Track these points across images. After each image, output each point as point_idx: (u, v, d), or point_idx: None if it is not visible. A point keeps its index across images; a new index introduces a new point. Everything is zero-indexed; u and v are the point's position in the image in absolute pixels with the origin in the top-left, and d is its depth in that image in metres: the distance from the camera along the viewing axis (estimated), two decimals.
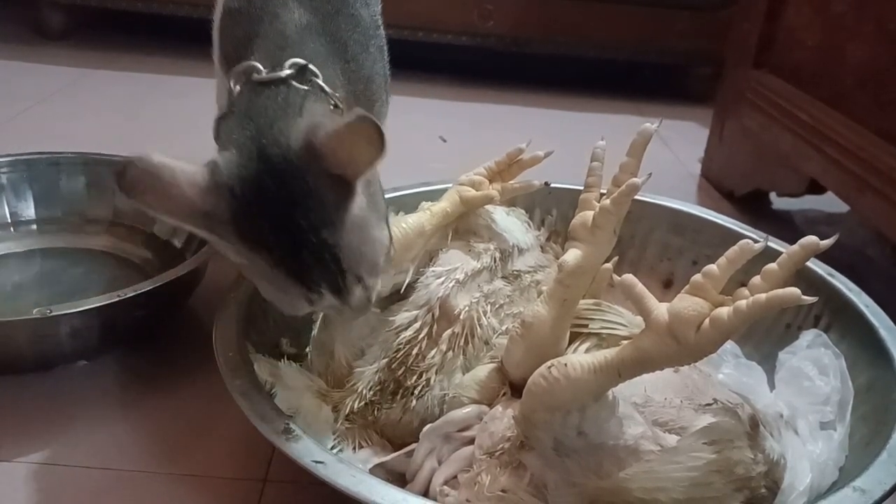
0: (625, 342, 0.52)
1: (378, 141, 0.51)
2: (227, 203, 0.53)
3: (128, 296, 0.73)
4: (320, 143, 0.52)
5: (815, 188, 1.12)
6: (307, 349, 0.70)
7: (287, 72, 0.60)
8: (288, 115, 0.57)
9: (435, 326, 0.66)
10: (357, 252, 0.55)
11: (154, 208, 0.52)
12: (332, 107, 0.61)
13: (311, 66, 0.61)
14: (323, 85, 0.61)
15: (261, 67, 0.60)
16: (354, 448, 0.64)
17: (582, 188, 0.66)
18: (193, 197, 0.53)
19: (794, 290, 0.47)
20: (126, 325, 0.78)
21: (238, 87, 0.60)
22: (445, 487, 0.58)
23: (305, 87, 0.60)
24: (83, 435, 0.70)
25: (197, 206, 0.53)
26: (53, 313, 0.71)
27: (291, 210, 0.53)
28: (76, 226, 0.98)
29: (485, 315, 0.67)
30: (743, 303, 0.48)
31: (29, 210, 0.97)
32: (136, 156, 0.51)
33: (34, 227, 0.97)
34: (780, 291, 0.48)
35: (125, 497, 0.64)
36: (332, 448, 0.62)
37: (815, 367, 0.67)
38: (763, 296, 0.48)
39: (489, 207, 0.77)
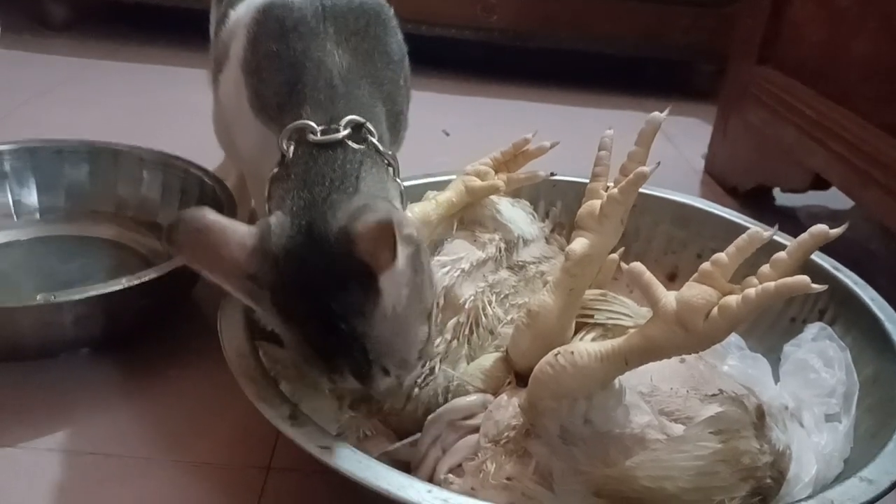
0: (632, 330, 0.52)
1: (392, 250, 0.50)
2: (269, 271, 0.53)
3: (132, 284, 0.73)
4: (355, 231, 0.52)
5: (819, 183, 1.12)
6: None
7: (343, 133, 0.59)
8: (346, 187, 0.57)
9: (440, 316, 0.66)
10: (388, 345, 0.54)
11: (200, 265, 0.53)
12: (386, 165, 0.61)
13: (367, 125, 0.61)
14: (377, 144, 0.61)
15: (315, 127, 0.60)
16: (359, 437, 0.63)
17: (586, 181, 0.66)
18: (240, 258, 0.53)
19: (804, 278, 0.47)
20: (130, 313, 0.78)
21: (292, 148, 0.60)
22: (450, 475, 0.58)
23: (361, 147, 0.60)
24: (87, 422, 0.70)
25: (242, 268, 0.53)
26: (57, 300, 0.71)
27: (326, 292, 0.53)
28: (79, 214, 0.98)
29: (490, 305, 0.67)
30: (752, 291, 0.48)
31: (32, 198, 0.97)
32: (188, 212, 0.52)
33: (37, 214, 0.97)
34: (788, 280, 0.48)
35: (129, 484, 0.64)
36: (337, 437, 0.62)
37: (820, 359, 0.67)
38: (772, 284, 0.48)
39: (494, 198, 0.77)
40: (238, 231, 0.54)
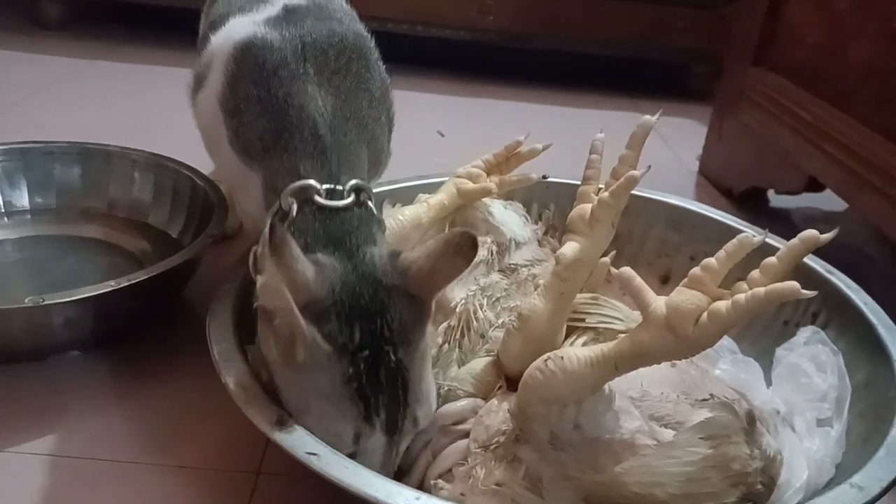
0: (622, 336, 0.52)
1: (471, 251, 0.53)
2: (326, 299, 0.54)
3: (122, 285, 0.73)
4: (405, 260, 0.55)
5: (814, 186, 1.12)
6: None
7: (349, 200, 0.61)
8: (368, 242, 0.59)
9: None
10: (419, 385, 0.55)
11: (282, 272, 0.52)
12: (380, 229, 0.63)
13: (367, 190, 0.63)
14: (374, 209, 0.63)
15: (320, 188, 0.61)
16: None
17: (580, 183, 0.66)
18: (309, 280, 0.54)
19: (794, 284, 0.47)
20: (120, 315, 0.77)
21: (295, 207, 0.60)
22: (440, 481, 0.57)
23: (363, 212, 0.61)
24: (76, 425, 0.70)
25: (308, 290, 0.53)
26: (46, 302, 0.70)
27: (379, 318, 0.54)
28: (70, 215, 0.97)
29: (481, 308, 0.67)
30: (742, 296, 0.48)
31: (23, 199, 0.97)
32: (277, 224, 0.54)
33: (28, 215, 0.97)
34: (779, 285, 0.47)
35: (118, 488, 0.64)
36: None
37: (812, 363, 0.67)
38: (762, 290, 0.47)
39: (487, 200, 0.77)
40: (304, 258, 0.54)
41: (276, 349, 0.55)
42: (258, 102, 0.66)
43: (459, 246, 0.53)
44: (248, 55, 0.68)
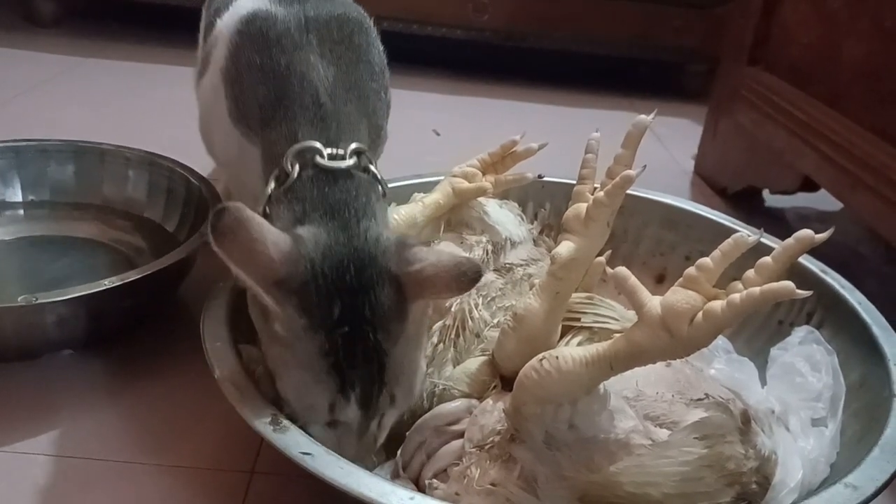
0: (617, 335, 0.52)
1: (470, 284, 0.53)
2: (302, 274, 0.53)
3: (115, 284, 0.73)
4: (415, 256, 0.55)
5: (809, 186, 1.12)
6: None
7: (351, 162, 0.60)
8: (368, 216, 0.58)
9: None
10: (399, 368, 0.55)
11: (234, 261, 0.52)
12: (382, 194, 0.62)
13: (367, 154, 0.62)
14: (377, 173, 0.62)
15: (323, 150, 0.60)
16: None
17: (575, 182, 0.66)
18: (274, 259, 0.52)
19: (789, 284, 0.47)
20: (113, 315, 0.77)
21: (297, 169, 0.60)
22: (435, 481, 0.57)
23: (366, 176, 0.61)
24: (69, 425, 0.70)
25: (275, 268, 0.52)
26: (39, 301, 0.70)
27: (362, 296, 0.53)
28: (64, 213, 0.97)
29: (476, 308, 0.66)
30: (737, 296, 0.48)
31: (16, 197, 0.97)
32: (231, 204, 0.52)
33: (21, 214, 0.96)
34: (774, 285, 0.47)
35: (111, 488, 0.63)
36: None
37: (807, 363, 0.67)
38: (757, 289, 0.47)
39: (482, 200, 0.76)
40: (273, 231, 0.54)
41: (259, 319, 0.56)
42: (260, 70, 0.66)
43: (464, 273, 0.53)
44: (252, 27, 0.69)
